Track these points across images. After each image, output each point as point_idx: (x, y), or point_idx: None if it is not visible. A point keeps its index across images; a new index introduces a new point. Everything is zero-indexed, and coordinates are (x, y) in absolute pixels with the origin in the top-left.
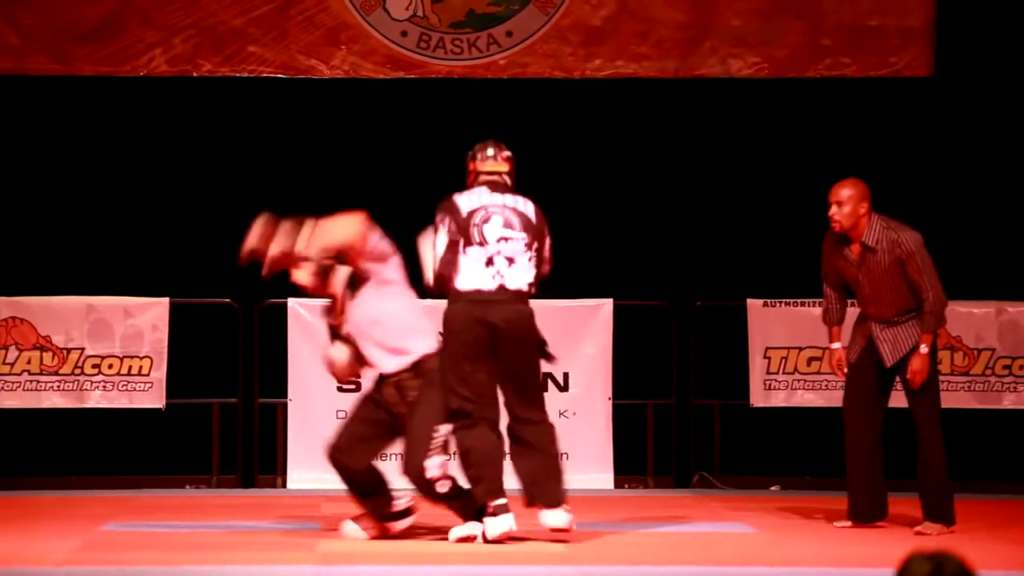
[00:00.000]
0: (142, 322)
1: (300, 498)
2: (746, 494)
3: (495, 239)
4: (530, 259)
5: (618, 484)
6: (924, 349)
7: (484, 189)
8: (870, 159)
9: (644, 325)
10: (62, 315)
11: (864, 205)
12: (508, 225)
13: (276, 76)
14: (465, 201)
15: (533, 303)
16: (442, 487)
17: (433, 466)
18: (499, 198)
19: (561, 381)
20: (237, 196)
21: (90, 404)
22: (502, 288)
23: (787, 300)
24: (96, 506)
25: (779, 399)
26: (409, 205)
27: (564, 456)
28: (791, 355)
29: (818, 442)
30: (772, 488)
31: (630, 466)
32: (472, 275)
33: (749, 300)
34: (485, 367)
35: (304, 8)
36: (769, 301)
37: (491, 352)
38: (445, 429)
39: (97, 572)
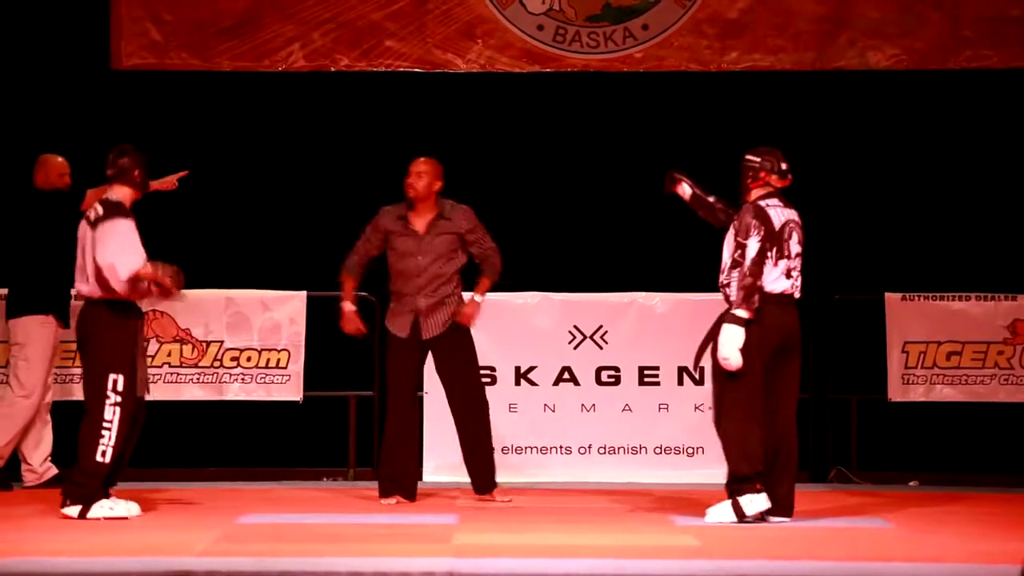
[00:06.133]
0: (280, 315)
1: (435, 490)
2: (884, 489)
3: (795, 254)
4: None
5: None
6: None
7: (778, 202)
8: (1012, 152)
9: None
10: (202, 308)
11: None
12: (800, 242)
13: (412, 70)
14: (775, 214)
15: (666, 296)
16: None
17: None
18: (793, 213)
19: (697, 375)
20: (373, 190)
21: (229, 396)
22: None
23: (926, 294)
24: (234, 498)
25: (918, 394)
26: (544, 197)
27: (699, 450)
28: (930, 349)
29: (957, 437)
30: (910, 483)
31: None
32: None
33: (887, 294)
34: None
35: (441, 2)
36: (908, 295)
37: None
38: None
39: (235, 563)
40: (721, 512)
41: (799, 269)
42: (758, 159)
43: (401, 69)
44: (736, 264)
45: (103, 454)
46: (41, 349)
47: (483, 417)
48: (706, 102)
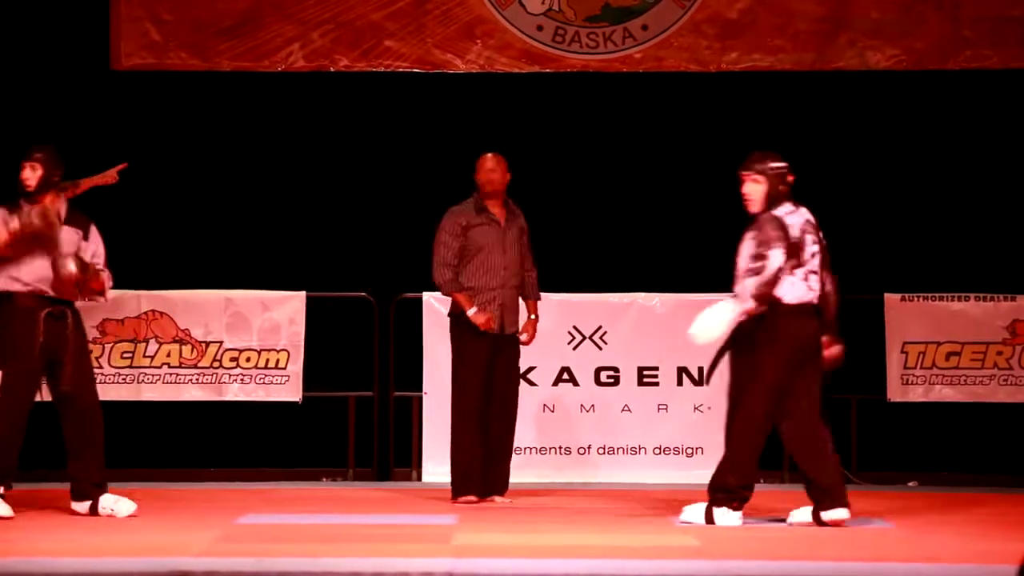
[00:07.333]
0: (279, 315)
1: (435, 491)
2: (883, 489)
3: (811, 255)
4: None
5: None
6: None
7: (791, 207)
8: (1012, 152)
9: None
10: (201, 309)
11: None
12: (816, 240)
13: (412, 70)
14: (792, 222)
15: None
16: None
17: None
18: (804, 213)
19: (696, 375)
20: (373, 191)
21: (228, 397)
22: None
23: (925, 295)
24: (233, 498)
25: (917, 394)
26: (543, 197)
27: (699, 451)
28: (929, 350)
29: (957, 437)
30: (910, 483)
31: (765, 461)
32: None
33: (887, 294)
34: None
35: (441, 2)
36: (907, 295)
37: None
38: None
39: (234, 563)
40: (695, 514)
41: (817, 266)
42: (783, 164)
43: (401, 69)
44: (753, 273)
45: None
46: None
47: (514, 422)
48: (706, 102)
